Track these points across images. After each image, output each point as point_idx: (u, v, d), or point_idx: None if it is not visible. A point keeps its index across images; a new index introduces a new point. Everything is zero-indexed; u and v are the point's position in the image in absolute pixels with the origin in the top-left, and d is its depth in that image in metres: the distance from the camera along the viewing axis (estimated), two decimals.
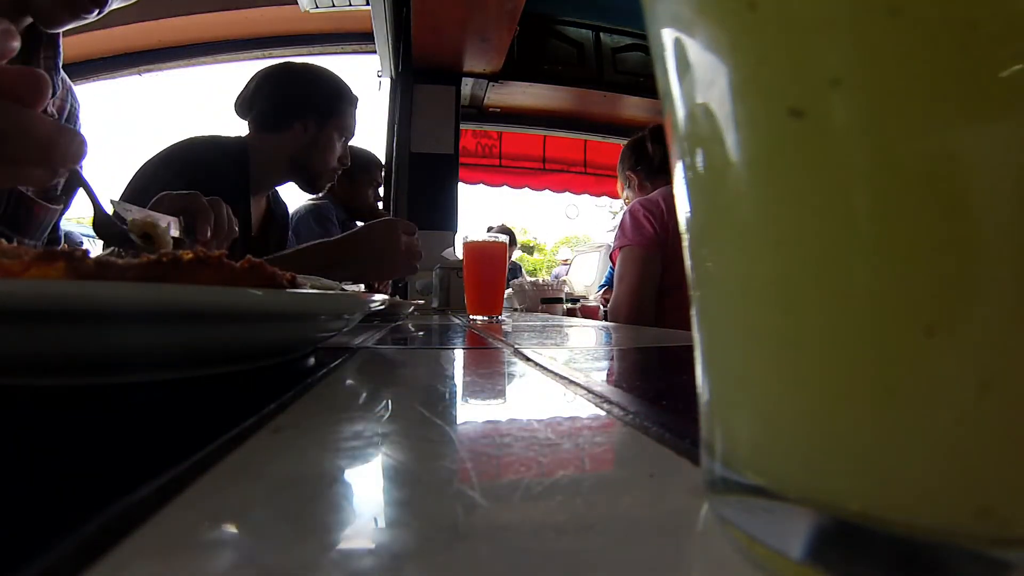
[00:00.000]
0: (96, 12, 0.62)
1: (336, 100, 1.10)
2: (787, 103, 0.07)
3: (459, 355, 0.38)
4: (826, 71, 0.07)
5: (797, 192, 0.08)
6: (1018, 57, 0.06)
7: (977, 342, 0.07)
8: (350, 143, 1.16)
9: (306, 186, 1.11)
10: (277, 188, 1.16)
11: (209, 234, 0.60)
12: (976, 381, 0.07)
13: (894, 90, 0.07)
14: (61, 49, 0.69)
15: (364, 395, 0.22)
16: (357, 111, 1.15)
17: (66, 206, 0.80)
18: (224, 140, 1.03)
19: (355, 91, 1.15)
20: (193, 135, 1.01)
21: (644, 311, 1.12)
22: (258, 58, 2.29)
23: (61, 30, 0.64)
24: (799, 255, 0.08)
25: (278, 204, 1.20)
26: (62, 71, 0.72)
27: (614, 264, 1.23)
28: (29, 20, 0.61)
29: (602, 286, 2.31)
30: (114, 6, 0.65)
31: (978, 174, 0.07)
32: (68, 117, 0.77)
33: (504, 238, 0.93)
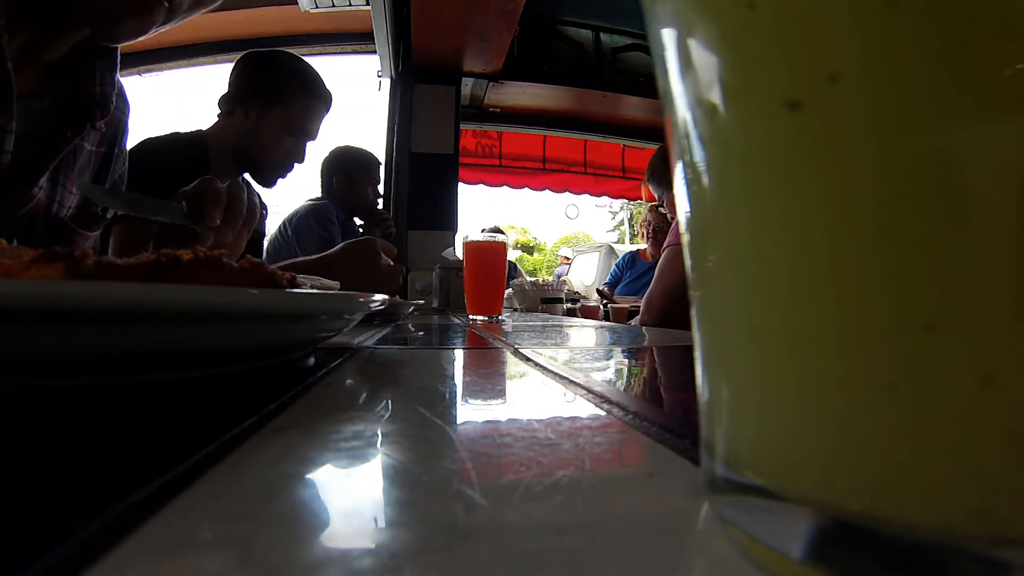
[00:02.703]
0: (163, 23, 0.57)
1: (285, 89, 1.04)
2: (784, 97, 0.07)
3: (459, 355, 0.38)
4: (824, 66, 0.07)
5: (796, 189, 0.08)
6: (1017, 54, 0.06)
7: (977, 338, 0.07)
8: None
9: (255, 178, 1.07)
10: (243, 176, 1.11)
11: (218, 219, 0.57)
12: (976, 377, 0.07)
13: (892, 85, 0.07)
14: (119, 60, 0.64)
15: (364, 395, 0.22)
16: (320, 108, 1.08)
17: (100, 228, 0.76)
18: (181, 136, 1.01)
19: (327, 89, 1.09)
20: (149, 136, 0.99)
21: (672, 313, 1.13)
22: None
23: (122, 44, 0.59)
24: (798, 253, 0.08)
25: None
26: (119, 80, 0.67)
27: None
28: (86, 33, 0.57)
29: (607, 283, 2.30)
30: (183, 16, 0.60)
31: (977, 169, 0.07)
32: (116, 124, 0.72)
33: (503, 237, 0.93)
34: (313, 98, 1.07)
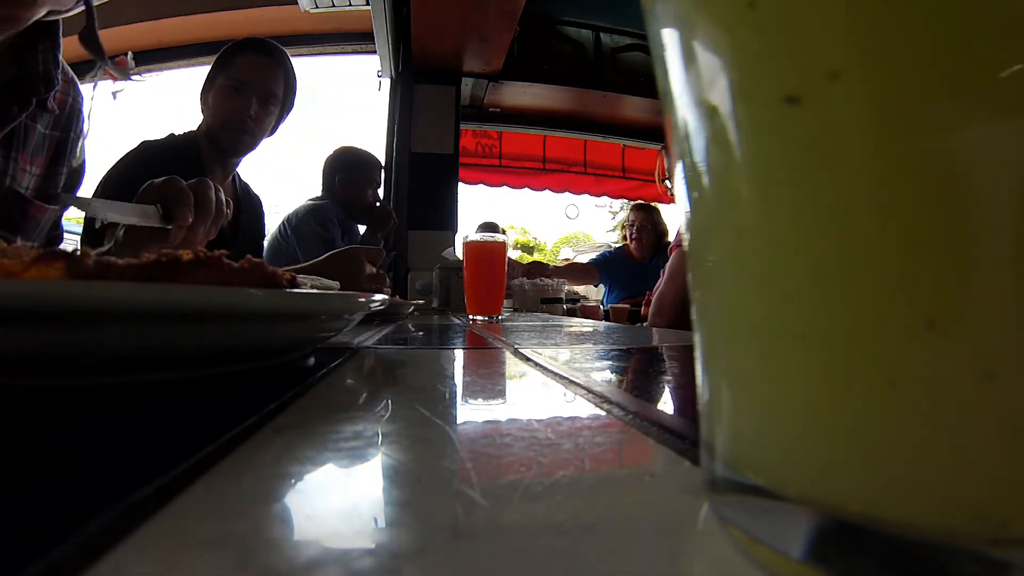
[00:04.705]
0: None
1: (226, 53, 1.06)
2: (784, 92, 0.07)
3: (459, 355, 0.38)
4: (824, 64, 0.07)
5: (796, 186, 0.08)
6: (1017, 53, 0.06)
7: (979, 334, 0.07)
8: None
9: (224, 153, 1.06)
10: (238, 175, 1.14)
11: (190, 218, 0.57)
12: (978, 375, 0.07)
13: (892, 82, 0.07)
14: (60, 41, 0.68)
15: (364, 395, 0.22)
16: (263, 62, 1.06)
17: (66, 206, 0.79)
18: (176, 138, 1.04)
19: (275, 46, 1.08)
20: (145, 139, 1.01)
21: (685, 312, 1.14)
22: None
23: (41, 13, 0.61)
24: (798, 250, 0.08)
25: (248, 196, 1.18)
26: (64, 63, 0.71)
27: None
28: (41, 12, 0.59)
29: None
30: None
31: (977, 166, 0.07)
32: (71, 111, 0.75)
33: (502, 237, 0.93)
34: (251, 51, 1.06)
